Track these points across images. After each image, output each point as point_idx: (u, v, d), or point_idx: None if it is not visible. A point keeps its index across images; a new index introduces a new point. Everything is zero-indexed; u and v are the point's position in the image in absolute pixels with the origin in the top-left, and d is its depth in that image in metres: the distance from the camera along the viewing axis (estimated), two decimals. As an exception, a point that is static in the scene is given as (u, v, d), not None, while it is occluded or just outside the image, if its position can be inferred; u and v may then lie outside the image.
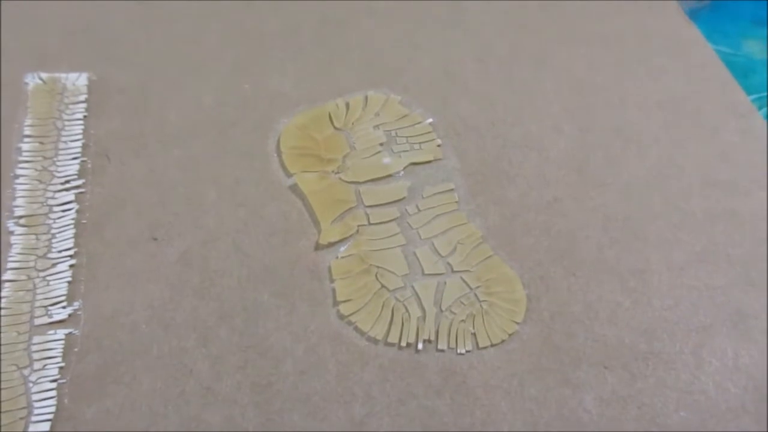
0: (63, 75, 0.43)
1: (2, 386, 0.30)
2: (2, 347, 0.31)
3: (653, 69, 0.47)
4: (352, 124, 0.42)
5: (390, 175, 0.40)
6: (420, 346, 0.33)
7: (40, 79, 0.42)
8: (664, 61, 0.47)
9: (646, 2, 0.52)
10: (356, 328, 0.34)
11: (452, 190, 0.40)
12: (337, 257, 0.37)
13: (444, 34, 0.48)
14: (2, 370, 0.31)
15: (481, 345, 0.34)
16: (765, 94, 0.49)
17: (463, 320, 0.34)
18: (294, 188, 0.39)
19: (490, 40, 0.48)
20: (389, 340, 0.34)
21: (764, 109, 0.48)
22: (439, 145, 0.42)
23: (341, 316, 0.34)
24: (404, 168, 0.41)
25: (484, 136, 0.42)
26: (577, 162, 0.42)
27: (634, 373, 0.33)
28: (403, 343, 0.34)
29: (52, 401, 0.30)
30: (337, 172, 0.40)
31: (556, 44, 0.48)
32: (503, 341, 0.34)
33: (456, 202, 0.39)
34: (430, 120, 0.43)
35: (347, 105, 0.43)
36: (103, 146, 0.40)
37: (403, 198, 0.39)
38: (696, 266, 0.37)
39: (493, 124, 0.43)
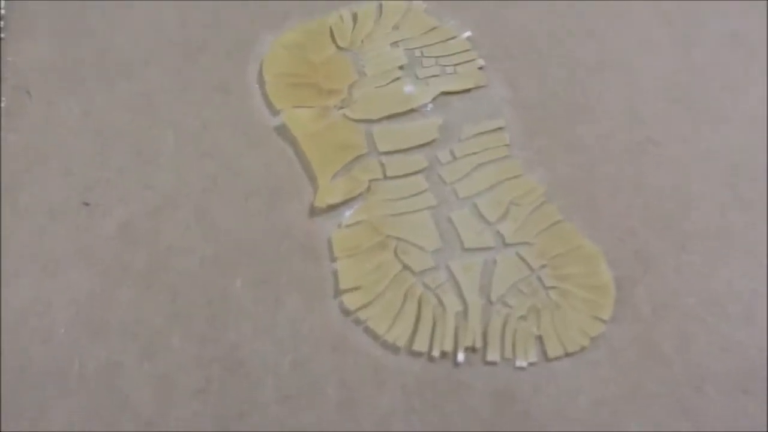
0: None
1: None
2: None
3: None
4: (362, 41, 0.31)
5: (414, 110, 0.30)
6: (460, 357, 0.23)
7: (-56, -9, 0.31)
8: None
9: None
10: (367, 330, 0.24)
11: (502, 128, 0.29)
12: (340, 226, 0.26)
13: None
14: None
15: (551, 355, 0.23)
16: None
17: (523, 316, 0.24)
18: (282, 130, 0.29)
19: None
20: (415, 347, 0.23)
21: None
22: (481, 68, 0.31)
23: (346, 312, 0.25)
24: (434, 99, 0.30)
25: (545, 56, 0.31)
26: (680, 89, 0.30)
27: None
28: (436, 353, 0.23)
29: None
30: (341, 107, 0.29)
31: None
32: (583, 349, 0.23)
33: (507, 145, 0.29)
34: (468, 33, 0.32)
35: (354, 16, 0.32)
36: (23, 78, 0.30)
37: (434, 141, 0.29)
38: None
39: (555, 37, 0.31)
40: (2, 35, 0.31)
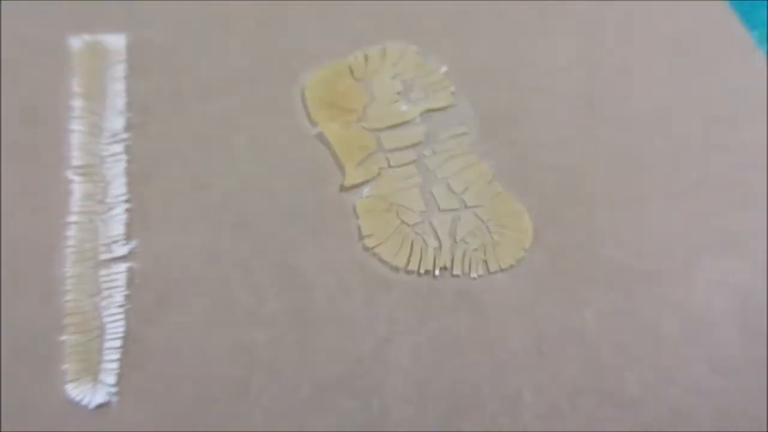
0: (103, 36, 0.46)
1: (77, 311, 0.35)
2: (74, 279, 0.36)
3: (658, 9, 0.49)
4: (371, 75, 0.45)
5: (407, 122, 0.43)
6: (437, 272, 0.37)
7: (84, 41, 0.46)
8: (670, 1, 0.49)
9: None
10: (380, 259, 0.38)
11: (465, 133, 0.43)
12: (361, 197, 0.40)
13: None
14: (76, 298, 0.36)
15: (491, 270, 0.37)
16: (765, 29, 0.50)
17: (475, 249, 0.38)
18: (319, 136, 0.43)
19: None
20: (409, 268, 0.38)
21: (764, 45, 0.49)
22: (452, 92, 0.45)
23: (366, 249, 0.38)
24: (420, 114, 0.44)
25: (495, 82, 0.45)
26: (583, 102, 0.44)
27: (633, 289, 0.37)
28: (422, 271, 0.38)
29: (121, 324, 0.35)
30: (359, 121, 0.43)
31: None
32: (512, 266, 0.38)
33: (469, 144, 0.42)
34: (444, 68, 0.46)
35: (366, 57, 0.46)
36: (144, 102, 0.44)
37: (420, 142, 0.43)
38: (693, 193, 0.40)
39: (504, 70, 0.46)
40: (127, 73, 0.45)
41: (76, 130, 0.42)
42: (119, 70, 0.45)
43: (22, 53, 0.45)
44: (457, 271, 0.37)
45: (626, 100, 0.44)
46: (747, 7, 0.52)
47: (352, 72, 0.46)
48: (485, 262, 0.38)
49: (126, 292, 0.36)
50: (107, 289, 0.36)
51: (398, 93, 0.45)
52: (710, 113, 0.43)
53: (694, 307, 0.36)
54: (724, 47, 0.47)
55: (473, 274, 0.37)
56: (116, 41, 0.46)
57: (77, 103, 0.43)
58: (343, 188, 0.41)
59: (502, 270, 0.37)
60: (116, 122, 0.42)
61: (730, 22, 0.48)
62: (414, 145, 0.42)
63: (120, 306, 0.36)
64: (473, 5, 0.49)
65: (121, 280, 0.36)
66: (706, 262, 0.37)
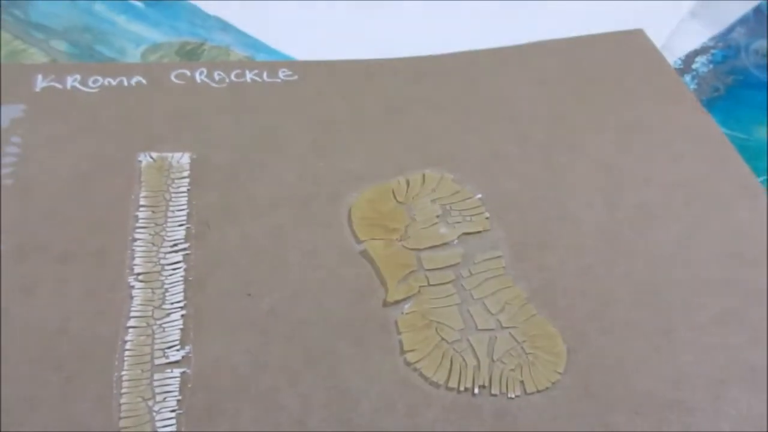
0: (169, 154, 0.51)
1: (131, 414, 0.37)
2: (129, 382, 0.38)
3: (672, 153, 0.54)
4: (412, 198, 0.49)
5: (446, 243, 0.47)
6: (476, 391, 0.39)
7: (151, 157, 0.50)
8: (683, 146, 0.54)
9: (668, 95, 0.59)
10: (421, 374, 0.40)
11: (500, 257, 0.46)
12: (402, 313, 0.43)
13: (491, 121, 0.56)
14: (130, 401, 0.37)
15: (528, 391, 0.39)
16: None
17: (512, 369, 0.40)
18: (364, 253, 0.46)
19: (531, 127, 0.55)
20: (449, 384, 0.39)
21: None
22: (487, 218, 0.49)
23: (408, 363, 0.40)
24: (458, 237, 0.47)
25: (526, 210, 0.49)
26: (607, 234, 0.48)
27: (660, 418, 0.38)
28: (462, 388, 0.39)
29: (173, 428, 0.36)
30: (401, 240, 0.47)
31: (588, 131, 0.55)
32: (547, 388, 0.39)
33: (503, 267, 0.46)
34: (479, 195, 0.50)
35: (407, 182, 0.51)
36: (203, 215, 0.47)
37: (458, 263, 0.46)
38: (714, 326, 0.42)
39: (533, 200, 0.50)
40: (189, 188, 0.50)
41: (140, 239, 0.45)
42: (183, 185, 0.49)
43: (96, 168, 0.49)
44: (495, 390, 0.39)
45: (644, 234, 0.48)
46: (756, 153, 0.57)
47: (394, 195, 0.50)
48: (522, 382, 0.40)
49: (179, 397, 0.38)
50: (161, 393, 0.38)
51: (437, 216, 0.48)
52: (725, 250, 0.47)
53: (725, 437, 0.38)
54: (735, 191, 0.51)
55: (510, 395, 0.39)
56: (181, 159, 0.50)
57: (142, 214, 0.47)
58: (386, 303, 0.43)
59: (538, 391, 0.39)
60: (177, 232, 0.46)
61: (740, 168, 0.53)
62: (452, 266, 0.46)
63: (172, 410, 0.37)
64: (505, 141, 0.54)
65: (174, 385, 0.38)
66: (732, 394, 0.39)
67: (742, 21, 0.74)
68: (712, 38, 0.71)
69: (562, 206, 0.49)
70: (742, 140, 0.59)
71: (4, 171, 0.48)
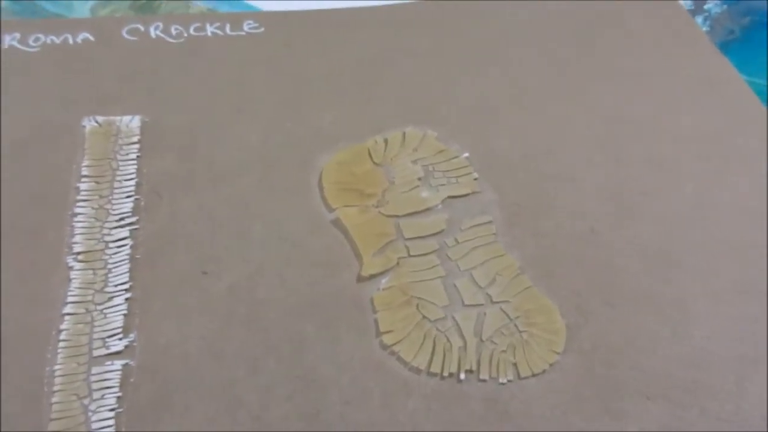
0: (117, 118, 0.45)
1: (63, 415, 0.32)
2: (63, 378, 0.33)
3: (686, 102, 0.48)
4: (391, 159, 0.44)
5: (428, 209, 0.41)
6: (462, 376, 0.34)
7: (96, 122, 0.45)
8: (697, 94, 0.48)
9: (678, 38, 0.52)
10: (399, 358, 0.35)
11: (490, 222, 0.41)
12: (378, 289, 0.38)
13: (479, 72, 0.50)
14: (63, 400, 0.32)
15: (522, 375, 0.34)
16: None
17: (503, 350, 0.35)
18: (336, 222, 0.41)
19: (524, 77, 0.49)
20: (432, 369, 0.34)
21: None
22: (475, 179, 0.43)
23: (384, 347, 0.35)
24: (442, 201, 0.42)
25: (518, 170, 0.44)
26: (611, 193, 0.42)
27: (676, 403, 0.33)
28: (446, 373, 0.34)
29: (111, 429, 0.32)
30: (377, 206, 0.41)
31: (590, 79, 0.49)
32: (544, 371, 0.34)
33: (493, 234, 0.40)
34: (466, 154, 0.44)
35: (386, 141, 0.45)
36: (155, 185, 0.42)
37: (442, 230, 0.40)
38: (734, 295, 0.37)
39: (526, 157, 0.44)
40: (139, 154, 0.44)
41: (81, 213, 0.40)
42: (132, 151, 0.43)
43: (34, 134, 0.44)
44: (484, 374, 0.34)
45: (654, 193, 0.42)
46: None
47: (371, 156, 0.44)
48: (515, 365, 0.35)
49: (119, 394, 0.33)
50: (98, 389, 0.33)
51: (419, 179, 0.43)
52: (744, 209, 0.41)
53: (748, 425, 0.32)
54: (754, 142, 0.45)
55: (502, 379, 0.34)
56: (130, 122, 0.45)
57: (84, 186, 0.41)
58: (360, 278, 0.38)
59: (534, 375, 0.34)
60: (124, 205, 0.41)
61: (760, 117, 0.47)
62: (435, 234, 0.40)
63: (111, 409, 0.32)
64: (494, 93, 0.48)
65: (114, 379, 0.33)
66: (759, 373, 0.34)
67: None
68: (726, -24, 0.64)
69: (559, 164, 0.44)
70: (761, 86, 0.53)
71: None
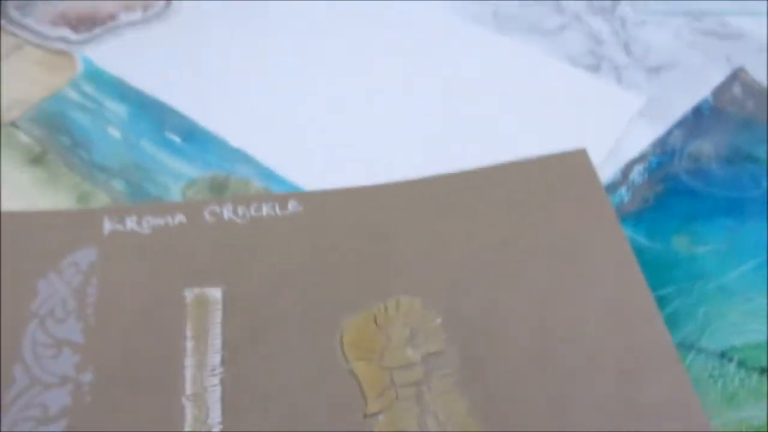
0: (206, 289, 0.67)
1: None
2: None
3: (583, 275, 0.66)
4: (389, 323, 0.65)
5: (412, 363, 0.63)
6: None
7: (194, 293, 0.67)
8: (597, 269, 0.67)
9: (591, 216, 0.71)
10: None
11: (450, 374, 0.62)
12: (377, 422, 0.59)
13: (450, 248, 0.70)
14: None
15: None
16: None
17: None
18: (351, 372, 0.62)
19: (482, 253, 0.69)
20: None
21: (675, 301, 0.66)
22: (444, 339, 0.64)
23: (379, 453, 0.56)
24: (422, 357, 0.63)
25: (475, 332, 0.64)
26: (535, 352, 0.63)
27: None
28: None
29: None
30: (379, 360, 0.63)
31: (526, 257, 0.69)
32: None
33: (452, 384, 0.61)
34: (439, 320, 0.65)
35: (386, 308, 0.66)
36: (233, 343, 0.64)
37: (421, 380, 0.61)
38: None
39: (481, 321, 0.65)
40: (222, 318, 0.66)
41: (188, 365, 0.62)
42: (217, 316, 0.66)
43: (151, 304, 0.66)
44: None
45: (559, 352, 0.62)
46: (671, 263, 0.69)
47: (375, 320, 0.66)
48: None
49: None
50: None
51: (406, 339, 0.64)
52: (622, 367, 0.61)
53: None
54: (634, 312, 0.65)
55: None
56: (215, 293, 0.67)
57: (189, 344, 0.64)
58: (366, 416, 0.60)
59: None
60: (214, 358, 0.63)
61: (641, 290, 0.66)
62: (415, 383, 0.62)
63: None
64: (459, 267, 0.69)
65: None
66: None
67: (681, 123, 0.79)
68: (652, 143, 0.77)
69: (503, 328, 0.64)
70: (659, 252, 0.70)
71: (89, 311, 0.65)
